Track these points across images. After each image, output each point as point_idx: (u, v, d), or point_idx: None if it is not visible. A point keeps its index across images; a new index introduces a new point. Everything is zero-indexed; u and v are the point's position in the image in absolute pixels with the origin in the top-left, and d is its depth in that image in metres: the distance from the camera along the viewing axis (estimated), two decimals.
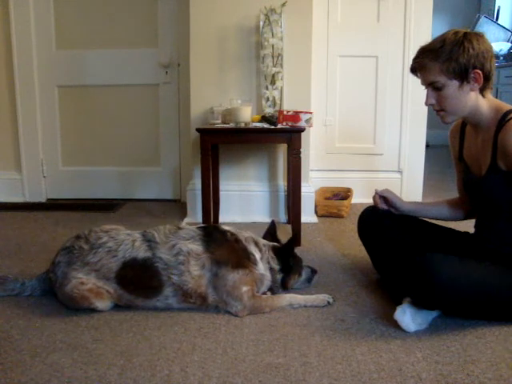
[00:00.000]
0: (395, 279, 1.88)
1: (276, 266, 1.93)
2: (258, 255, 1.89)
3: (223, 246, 1.84)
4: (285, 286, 1.96)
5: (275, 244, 2.01)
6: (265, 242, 1.99)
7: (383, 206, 1.99)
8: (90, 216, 3.29)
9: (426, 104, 1.73)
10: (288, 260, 1.95)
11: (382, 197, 1.99)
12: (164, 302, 1.82)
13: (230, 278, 1.79)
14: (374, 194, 2.01)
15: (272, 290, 1.93)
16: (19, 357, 1.52)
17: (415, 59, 1.71)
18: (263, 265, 1.89)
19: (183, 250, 1.80)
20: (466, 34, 1.64)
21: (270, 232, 2.10)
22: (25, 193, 3.74)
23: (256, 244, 1.92)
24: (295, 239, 2.02)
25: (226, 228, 1.93)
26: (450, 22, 6.38)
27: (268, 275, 1.91)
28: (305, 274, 2.04)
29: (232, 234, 1.89)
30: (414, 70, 1.74)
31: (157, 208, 3.51)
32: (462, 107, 1.69)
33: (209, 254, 1.81)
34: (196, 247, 1.81)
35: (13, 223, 3.11)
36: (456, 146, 1.94)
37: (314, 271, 2.07)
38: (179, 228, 1.90)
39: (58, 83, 3.69)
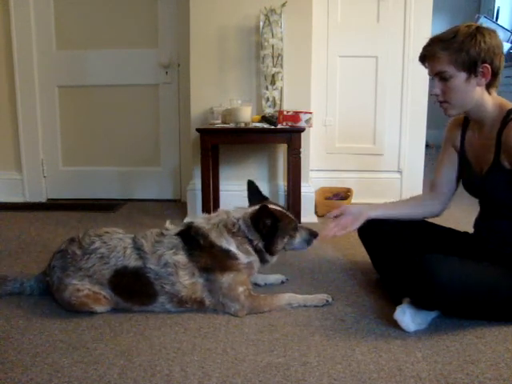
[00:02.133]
0: (395, 279, 1.88)
1: (255, 235, 1.83)
2: (233, 246, 1.81)
3: (203, 254, 1.80)
4: (270, 251, 1.84)
5: (254, 208, 1.86)
6: (238, 214, 1.86)
7: (341, 232, 1.88)
8: (89, 216, 3.29)
9: (431, 93, 1.74)
10: (265, 224, 1.81)
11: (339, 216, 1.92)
12: (161, 307, 1.82)
13: (223, 281, 1.78)
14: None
15: (263, 260, 1.86)
16: (19, 357, 1.52)
17: (426, 47, 1.71)
18: (243, 252, 1.82)
19: (169, 262, 1.77)
20: (478, 27, 1.65)
21: (252, 192, 1.99)
22: (25, 193, 3.75)
23: (228, 230, 1.83)
24: (265, 205, 1.81)
25: (198, 226, 1.85)
26: (450, 22, 6.36)
27: (253, 257, 1.84)
28: (300, 235, 1.89)
29: (204, 237, 1.82)
30: (424, 57, 1.73)
31: (157, 208, 3.51)
32: (467, 101, 1.69)
33: (194, 262, 1.79)
34: (180, 257, 1.79)
35: (13, 223, 3.11)
36: (456, 139, 1.91)
37: (313, 234, 1.91)
38: (162, 234, 1.86)
39: (58, 83, 3.69)
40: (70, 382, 1.39)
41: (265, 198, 2.00)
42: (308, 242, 1.92)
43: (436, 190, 1.98)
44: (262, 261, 1.88)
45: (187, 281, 1.78)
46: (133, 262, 1.79)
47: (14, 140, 3.70)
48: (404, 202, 2.10)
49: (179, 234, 1.86)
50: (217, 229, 1.84)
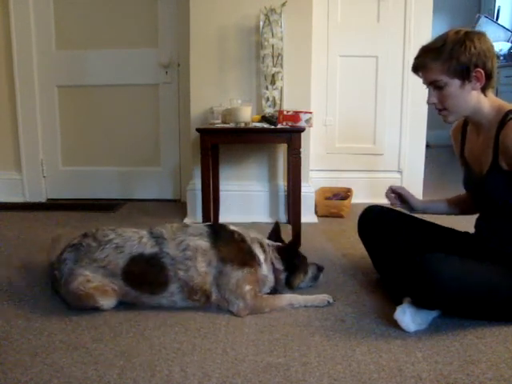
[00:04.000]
0: (395, 279, 1.88)
1: (280, 267, 1.94)
2: (262, 256, 1.90)
3: (230, 245, 1.86)
4: (290, 286, 1.97)
5: (279, 244, 2.02)
6: (270, 242, 2.00)
7: (396, 202, 1.98)
8: (90, 216, 3.29)
9: (428, 103, 1.73)
10: (292, 260, 1.96)
11: (397, 194, 1.98)
12: (169, 298, 1.83)
13: (233, 276, 1.80)
14: (387, 189, 1.97)
15: (277, 290, 1.95)
16: (19, 357, 1.52)
17: (416, 58, 1.71)
18: (267, 266, 1.91)
19: (191, 246, 1.82)
20: (467, 32, 1.63)
21: (275, 232, 2.11)
22: (25, 193, 3.74)
23: (261, 245, 1.93)
24: (297, 240, 2.04)
25: (233, 228, 1.94)
26: (450, 22, 6.37)
27: (271, 277, 1.92)
28: (311, 272, 2.04)
29: (239, 234, 1.90)
30: (416, 69, 1.73)
31: (157, 208, 3.51)
32: (464, 106, 1.69)
33: (216, 250, 1.83)
34: (204, 243, 1.83)
35: (13, 223, 3.11)
36: (458, 143, 1.94)
37: (320, 268, 2.08)
38: (186, 225, 1.94)
39: (57, 83, 3.69)
40: (69, 382, 1.39)
41: (281, 241, 2.08)
42: (316, 278, 2.06)
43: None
44: (277, 290, 1.96)
45: (202, 268, 1.80)
46: (149, 248, 1.82)
47: (14, 140, 3.69)
48: (441, 200, 2.10)
49: (208, 226, 1.93)
50: (251, 239, 1.92)
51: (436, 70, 1.64)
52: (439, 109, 1.72)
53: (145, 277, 1.82)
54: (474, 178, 1.82)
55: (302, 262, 2.02)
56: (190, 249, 1.81)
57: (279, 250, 1.97)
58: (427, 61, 1.66)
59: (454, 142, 1.97)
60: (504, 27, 5.61)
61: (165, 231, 1.88)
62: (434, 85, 1.68)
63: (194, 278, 1.80)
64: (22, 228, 2.99)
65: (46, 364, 1.48)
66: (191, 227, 1.92)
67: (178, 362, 1.49)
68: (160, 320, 1.76)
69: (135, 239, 1.85)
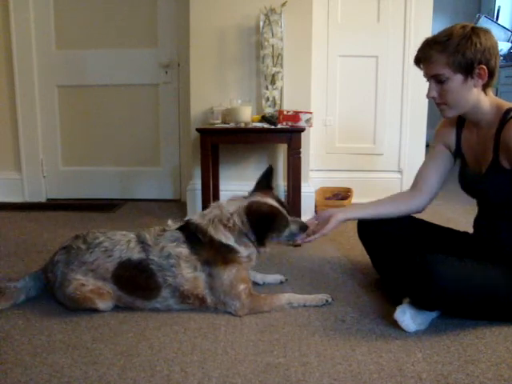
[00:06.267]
0: (395, 279, 1.88)
1: (248, 230, 1.83)
2: (232, 240, 1.81)
3: (205, 248, 1.81)
4: (261, 244, 1.85)
5: (254, 200, 1.87)
6: (232, 208, 1.86)
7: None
8: (89, 216, 3.29)
9: (428, 96, 1.71)
10: (260, 217, 1.81)
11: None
12: (163, 303, 1.82)
13: (225, 278, 1.79)
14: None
15: (259, 252, 1.88)
16: (19, 357, 1.52)
17: (420, 50, 1.69)
18: (241, 244, 1.82)
19: (172, 254, 1.79)
20: (473, 28, 1.63)
21: (265, 178, 2.01)
22: (25, 193, 3.74)
23: (224, 225, 1.82)
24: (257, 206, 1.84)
25: (195, 221, 1.85)
26: (450, 22, 6.28)
27: (250, 249, 1.85)
28: (289, 229, 1.87)
29: (203, 233, 1.82)
30: (418, 60, 1.71)
31: (157, 208, 3.51)
32: (464, 102, 1.68)
33: (196, 255, 1.80)
34: (183, 250, 1.80)
35: (13, 223, 3.11)
36: (448, 138, 1.90)
37: (302, 228, 1.89)
38: (164, 230, 1.89)
39: (57, 83, 3.69)
40: (69, 382, 1.39)
41: (269, 189, 1.97)
42: (295, 235, 1.89)
43: (420, 187, 1.94)
44: (259, 252, 1.89)
45: (189, 274, 1.79)
46: (136, 254, 1.80)
47: (14, 140, 3.70)
48: (380, 202, 2.02)
49: (180, 229, 1.88)
50: (213, 224, 1.83)
51: (440, 63, 1.63)
52: (438, 103, 1.71)
53: (136, 282, 1.80)
54: (473, 177, 1.81)
55: (275, 223, 1.82)
56: (172, 257, 1.78)
57: (249, 209, 1.82)
58: (432, 53, 1.64)
59: (442, 132, 1.92)
60: (504, 27, 5.60)
61: (148, 236, 1.84)
62: (435, 78, 1.67)
63: (183, 284, 1.78)
64: (22, 228, 2.99)
65: (45, 364, 1.48)
66: (168, 232, 1.85)
67: (178, 362, 1.49)
68: (160, 320, 1.76)
69: (123, 243, 1.82)
